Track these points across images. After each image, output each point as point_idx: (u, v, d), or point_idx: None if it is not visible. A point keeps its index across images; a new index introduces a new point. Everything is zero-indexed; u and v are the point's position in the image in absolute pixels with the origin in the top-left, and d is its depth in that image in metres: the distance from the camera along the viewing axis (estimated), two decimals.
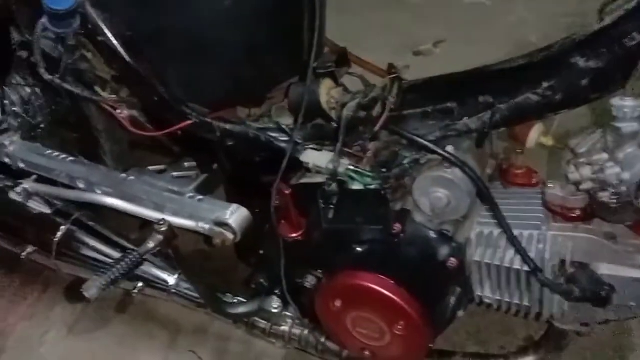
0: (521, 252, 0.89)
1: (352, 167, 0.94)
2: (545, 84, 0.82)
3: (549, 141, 0.97)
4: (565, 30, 2.12)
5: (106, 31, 1.01)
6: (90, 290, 0.84)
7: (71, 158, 1.31)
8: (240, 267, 1.43)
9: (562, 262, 0.94)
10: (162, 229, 0.93)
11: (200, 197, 1.17)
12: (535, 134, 0.97)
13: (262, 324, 1.18)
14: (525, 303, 1.00)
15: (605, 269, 0.92)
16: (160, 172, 1.29)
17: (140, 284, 1.21)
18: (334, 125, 0.99)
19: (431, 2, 2.58)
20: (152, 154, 1.47)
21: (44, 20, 0.99)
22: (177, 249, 1.00)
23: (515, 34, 2.25)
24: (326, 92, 0.97)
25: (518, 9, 2.42)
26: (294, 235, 1.03)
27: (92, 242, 1.25)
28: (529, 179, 1.03)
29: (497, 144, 1.05)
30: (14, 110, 1.43)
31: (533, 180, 1.02)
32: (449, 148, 0.92)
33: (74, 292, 1.57)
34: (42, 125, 1.48)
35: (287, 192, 0.98)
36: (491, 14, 2.44)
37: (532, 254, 0.92)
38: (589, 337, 1.16)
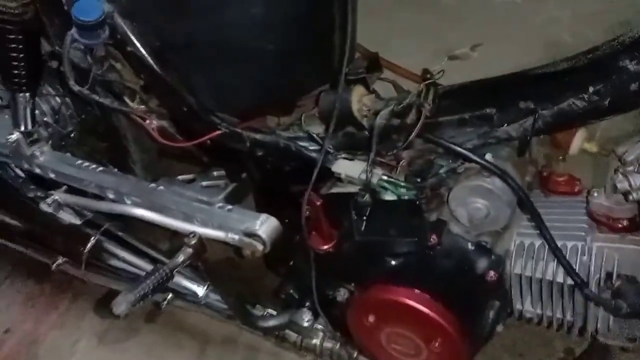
0: (565, 265, 0.85)
1: (385, 177, 0.91)
2: (591, 89, 0.78)
3: (593, 147, 0.93)
4: (599, 29, 2.05)
5: (135, 41, 1.00)
6: (120, 306, 0.83)
7: (101, 168, 1.31)
8: (268, 276, 1.41)
9: (608, 274, 0.90)
10: (192, 242, 0.91)
11: (230, 207, 1.15)
12: (579, 140, 0.93)
13: (293, 336, 1.15)
14: (568, 317, 0.95)
15: None
16: (189, 181, 1.28)
17: (169, 296, 1.20)
18: (366, 133, 0.96)
19: (461, 2, 2.53)
20: (180, 163, 1.47)
21: (72, 31, 0.99)
22: (206, 261, 0.98)
23: (548, 33, 2.19)
24: (358, 100, 0.94)
25: (550, 8, 2.35)
26: (325, 247, 1.01)
27: (122, 253, 1.25)
28: (571, 187, 0.98)
29: (536, 150, 1.01)
30: (45, 120, 1.44)
31: (575, 189, 0.98)
32: (488, 156, 0.89)
33: (103, 302, 1.57)
34: (72, 135, 1.49)
35: (318, 202, 0.96)
36: (523, 13, 2.38)
37: (576, 267, 0.88)
38: (631, 352, 1.11)
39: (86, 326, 1.55)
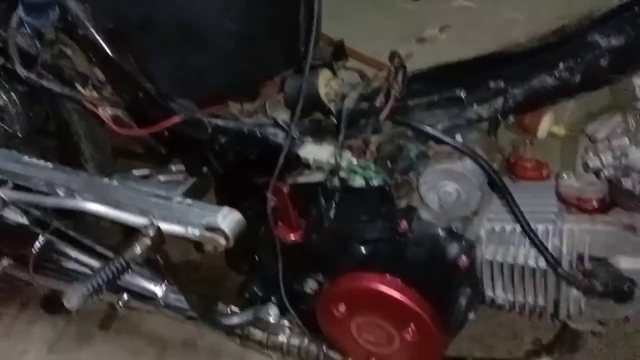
0: (538, 245, 0.83)
1: (355, 161, 0.87)
2: (562, 65, 0.77)
3: (561, 130, 0.92)
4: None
5: (87, 23, 0.94)
6: (71, 299, 0.76)
7: (50, 164, 1.24)
8: (230, 277, 1.36)
9: (579, 257, 0.89)
10: (150, 233, 0.85)
11: (189, 201, 1.10)
12: (547, 124, 0.92)
13: (258, 334, 1.10)
14: (540, 303, 0.94)
15: (625, 263, 0.86)
16: (146, 176, 1.22)
17: (125, 296, 1.14)
18: (334, 120, 0.93)
19: (418, 6, 2.56)
20: (136, 160, 1.41)
21: (19, 11, 0.93)
22: (166, 254, 0.92)
23: (504, 35, 2.22)
24: (325, 84, 0.91)
25: (505, 11, 2.40)
26: (293, 236, 0.97)
27: (74, 253, 1.18)
28: (539, 172, 0.97)
29: (503, 136, 1.00)
30: None
31: (543, 173, 0.97)
32: (458, 138, 0.87)
33: (54, 308, 1.48)
34: (19, 134, 1.41)
35: (285, 189, 0.92)
36: (479, 16, 2.42)
37: None
38: (601, 337, 1.11)
39: (36, 335, 1.46)
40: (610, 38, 0.73)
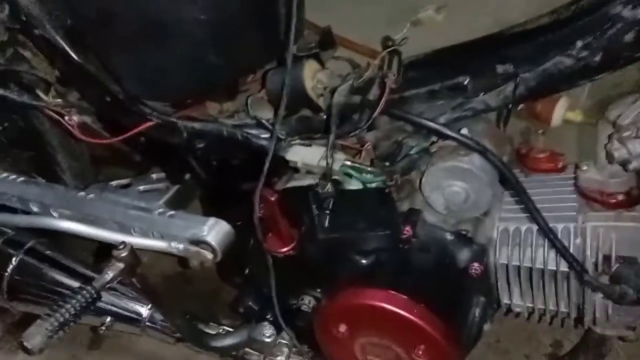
0: (560, 249, 0.74)
1: (349, 163, 0.78)
2: (580, 43, 0.68)
3: (577, 116, 0.83)
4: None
5: (44, 22, 0.84)
6: (33, 339, 0.67)
7: (22, 178, 1.15)
8: (225, 289, 1.27)
9: (604, 257, 0.80)
10: (122, 255, 0.76)
11: (172, 212, 1.02)
12: (561, 110, 0.83)
13: (254, 355, 1.02)
14: (562, 309, 0.86)
15: None
16: (125, 186, 1.13)
17: (108, 319, 1.04)
18: (323, 116, 0.83)
19: None
20: (119, 167, 1.31)
21: None
22: (144, 277, 0.83)
23: (501, 17, 2.13)
24: (311, 76, 0.82)
25: None
26: (284, 249, 0.87)
27: (51, 274, 1.08)
28: (554, 164, 0.88)
29: (511, 125, 0.90)
30: None
31: (559, 165, 0.88)
32: (464, 131, 0.77)
33: None
34: None
35: (272, 198, 0.82)
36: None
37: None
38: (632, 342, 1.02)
39: (20, 358, 1.37)
40: (636, 9, 0.63)
